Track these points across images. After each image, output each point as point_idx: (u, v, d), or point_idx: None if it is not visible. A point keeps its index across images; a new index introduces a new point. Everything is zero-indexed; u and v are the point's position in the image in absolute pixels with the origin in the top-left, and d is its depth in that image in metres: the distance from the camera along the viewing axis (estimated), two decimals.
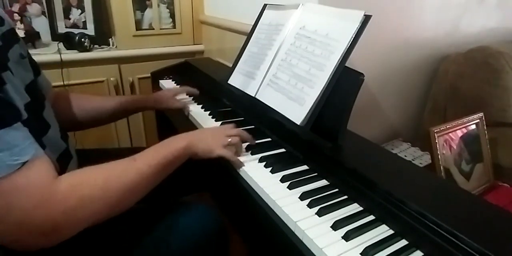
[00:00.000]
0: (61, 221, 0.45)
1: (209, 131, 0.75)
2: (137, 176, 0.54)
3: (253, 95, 0.89)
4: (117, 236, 0.63)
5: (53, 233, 0.45)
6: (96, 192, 0.49)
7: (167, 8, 1.50)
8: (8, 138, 0.42)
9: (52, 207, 0.44)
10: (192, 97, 1.07)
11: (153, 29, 1.49)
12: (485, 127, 1.03)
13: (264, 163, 0.69)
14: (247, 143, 0.76)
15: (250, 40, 0.98)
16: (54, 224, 0.44)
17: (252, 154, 0.74)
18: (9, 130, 0.42)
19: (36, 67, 0.69)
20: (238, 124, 0.86)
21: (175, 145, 0.63)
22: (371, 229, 0.53)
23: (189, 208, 0.70)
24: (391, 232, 0.53)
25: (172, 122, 1.08)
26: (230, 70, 1.01)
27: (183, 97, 1.05)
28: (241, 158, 0.71)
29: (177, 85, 1.24)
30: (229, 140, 0.70)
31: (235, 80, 0.98)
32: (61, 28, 1.48)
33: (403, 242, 0.51)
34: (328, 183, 0.65)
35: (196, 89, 1.03)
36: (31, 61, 0.65)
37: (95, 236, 0.59)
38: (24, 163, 0.42)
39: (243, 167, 0.69)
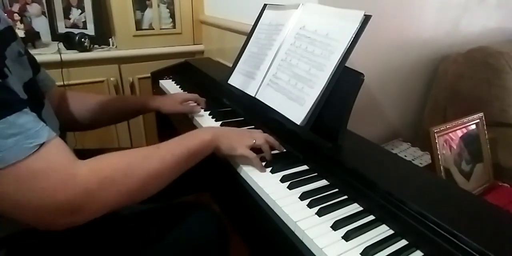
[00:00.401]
0: (83, 202, 0.45)
1: (236, 130, 0.74)
2: (160, 164, 0.54)
3: (253, 95, 0.89)
4: (117, 237, 0.63)
5: (76, 214, 0.45)
6: (117, 175, 0.49)
7: (167, 8, 1.50)
8: (21, 121, 0.42)
9: (73, 188, 0.44)
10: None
11: (153, 29, 1.49)
12: (485, 127, 1.03)
13: (264, 163, 0.69)
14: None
15: (250, 40, 0.98)
16: (76, 205, 0.44)
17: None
18: (21, 114, 0.43)
19: (36, 65, 0.69)
20: (238, 124, 0.86)
21: (200, 137, 0.63)
22: (371, 229, 0.53)
23: (189, 209, 0.70)
24: (391, 232, 0.53)
25: (172, 122, 1.08)
26: (230, 70, 1.01)
27: (191, 103, 1.00)
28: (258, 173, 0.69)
29: (177, 85, 1.24)
30: (254, 141, 0.68)
31: (235, 80, 0.98)
32: (61, 28, 1.48)
33: (403, 242, 0.51)
34: (328, 183, 0.65)
35: (204, 100, 0.99)
36: (30, 58, 0.65)
37: (94, 236, 0.59)
38: (40, 145, 0.43)
39: (243, 167, 0.69)
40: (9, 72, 0.48)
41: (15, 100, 0.44)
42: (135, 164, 0.51)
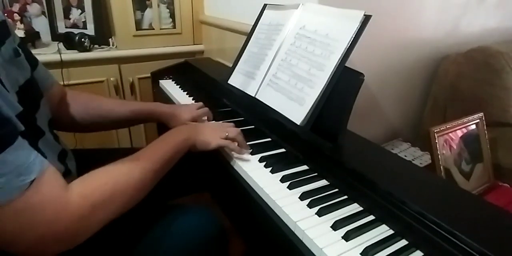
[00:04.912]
0: (78, 229, 0.46)
1: (209, 125, 0.78)
2: (142, 174, 0.55)
3: (253, 95, 0.89)
4: (116, 238, 0.62)
5: (71, 240, 0.46)
6: (106, 197, 0.50)
7: (167, 8, 1.50)
8: (12, 158, 0.41)
9: (68, 218, 0.45)
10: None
11: (153, 29, 1.49)
12: (485, 127, 1.03)
13: (264, 163, 0.70)
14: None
15: (250, 40, 0.98)
16: (72, 232, 0.46)
17: (252, 154, 0.74)
18: (11, 150, 0.41)
19: (33, 60, 0.66)
20: (238, 124, 0.86)
21: (175, 138, 0.64)
22: (371, 229, 0.53)
23: (188, 210, 0.70)
24: (391, 232, 0.53)
25: None
26: (230, 70, 1.01)
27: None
28: (241, 157, 0.72)
29: (177, 85, 1.24)
30: (226, 134, 0.71)
31: (235, 80, 0.98)
32: (61, 28, 1.48)
33: (403, 242, 0.51)
34: (328, 183, 0.65)
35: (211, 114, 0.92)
36: (27, 56, 0.62)
37: (93, 238, 0.59)
38: (32, 181, 0.42)
39: (243, 167, 0.69)
40: (0, 81, 0.45)
41: (5, 134, 0.41)
42: (120, 182, 0.52)
